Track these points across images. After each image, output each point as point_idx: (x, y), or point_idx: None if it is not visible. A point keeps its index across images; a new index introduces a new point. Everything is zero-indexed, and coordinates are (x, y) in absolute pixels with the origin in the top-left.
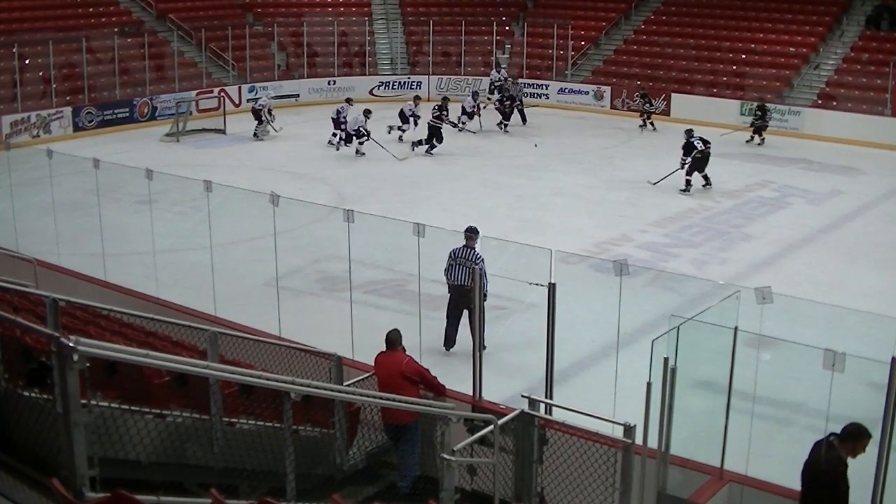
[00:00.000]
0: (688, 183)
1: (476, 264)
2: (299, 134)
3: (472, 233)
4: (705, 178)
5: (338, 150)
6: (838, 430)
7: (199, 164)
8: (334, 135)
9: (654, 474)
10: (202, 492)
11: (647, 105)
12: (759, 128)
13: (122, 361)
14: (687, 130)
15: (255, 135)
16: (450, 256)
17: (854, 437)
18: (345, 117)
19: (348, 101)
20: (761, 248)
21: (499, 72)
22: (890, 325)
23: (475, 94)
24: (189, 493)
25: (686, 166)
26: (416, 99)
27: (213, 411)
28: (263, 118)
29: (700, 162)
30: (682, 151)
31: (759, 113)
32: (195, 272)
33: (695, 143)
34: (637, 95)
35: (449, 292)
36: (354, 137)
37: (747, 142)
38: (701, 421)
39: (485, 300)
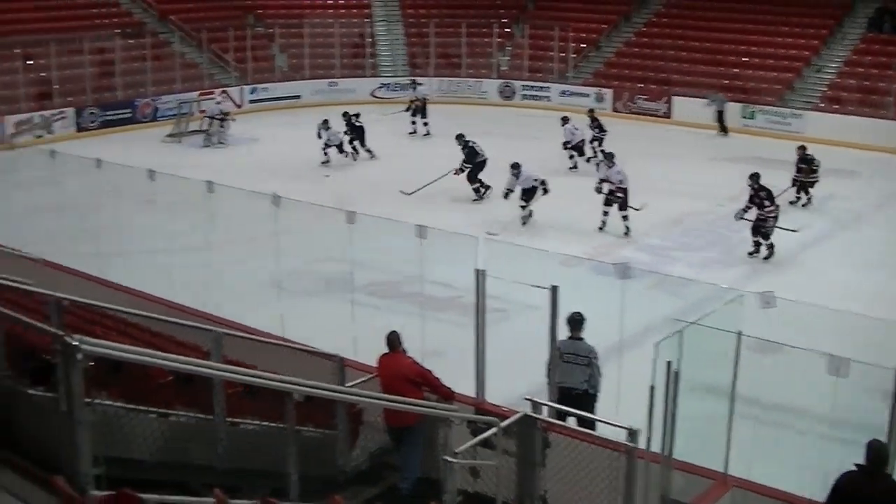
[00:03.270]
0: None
1: (589, 359)
2: (300, 136)
3: (577, 321)
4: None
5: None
6: (841, 434)
7: (201, 164)
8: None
9: (658, 479)
10: (206, 491)
11: (598, 132)
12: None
13: (126, 361)
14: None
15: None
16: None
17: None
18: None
19: (325, 122)
20: (764, 253)
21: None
22: (894, 329)
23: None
24: (193, 492)
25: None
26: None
27: (216, 411)
28: (207, 126)
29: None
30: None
31: (802, 166)
32: (198, 273)
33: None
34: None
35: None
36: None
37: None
38: (704, 425)
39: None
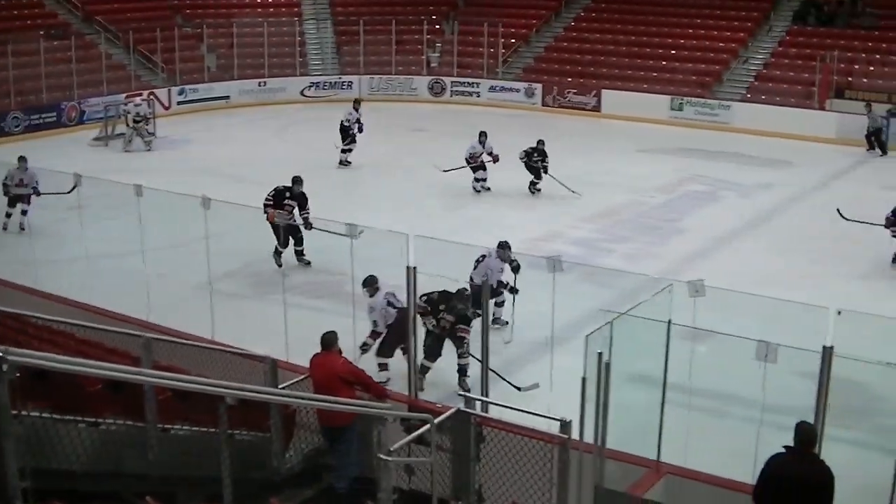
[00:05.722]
0: None
1: None
2: (230, 136)
3: None
4: None
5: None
6: (771, 417)
7: (130, 168)
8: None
9: (591, 469)
10: (138, 500)
11: (541, 161)
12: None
13: (53, 370)
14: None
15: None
16: None
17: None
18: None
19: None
20: (694, 242)
21: None
22: (821, 314)
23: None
24: (125, 502)
25: None
26: (356, 102)
27: (147, 418)
28: (130, 126)
29: None
30: None
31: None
32: (127, 277)
33: None
34: (531, 152)
35: None
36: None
37: None
38: (637, 415)
39: None
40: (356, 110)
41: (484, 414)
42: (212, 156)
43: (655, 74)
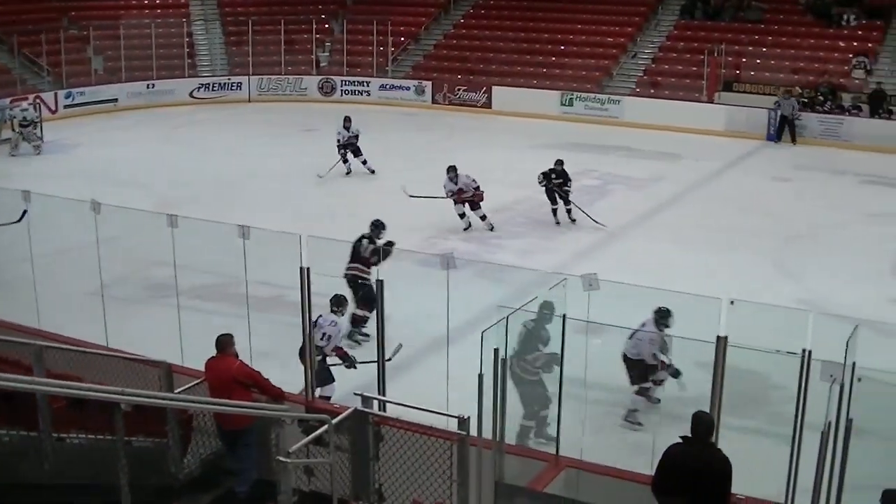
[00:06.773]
0: None
1: None
2: (119, 139)
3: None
4: None
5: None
6: (668, 408)
7: (17, 173)
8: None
9: (491, 464)
10: None
11: (563, 185)
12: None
13: None
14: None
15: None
16: None
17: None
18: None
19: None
20: (586, 236)
21: None
22: (714, 304)
23: None
24: None
25: None
26: (347, 120)
27: (41, 427)
28: (16, 131)
29: None
30: None
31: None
32: (16, 285)
33: None
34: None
35: None
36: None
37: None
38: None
39: None
40: (346, 129)
41: (382, 413)
42: (101, 159)
43: (545, 70)
